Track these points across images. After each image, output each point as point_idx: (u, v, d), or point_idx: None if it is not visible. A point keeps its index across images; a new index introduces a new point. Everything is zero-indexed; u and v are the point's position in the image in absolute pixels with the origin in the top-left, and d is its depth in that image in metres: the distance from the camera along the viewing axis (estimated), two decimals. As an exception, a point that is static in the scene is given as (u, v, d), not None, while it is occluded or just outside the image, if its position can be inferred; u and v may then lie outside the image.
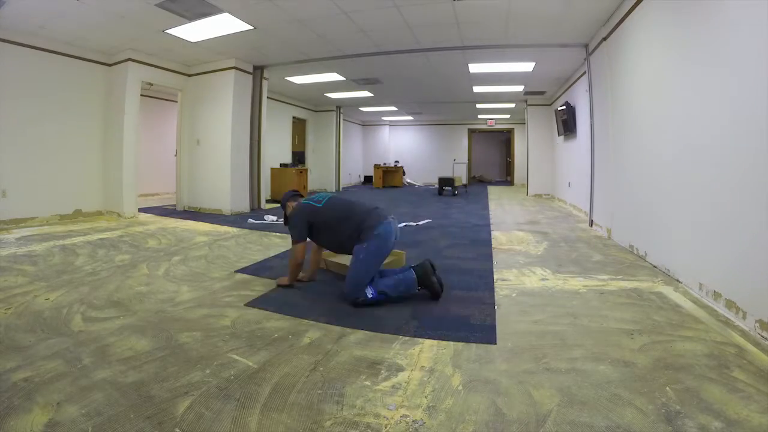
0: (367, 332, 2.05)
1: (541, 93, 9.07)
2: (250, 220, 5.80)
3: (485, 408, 1.41)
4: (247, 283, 2.87)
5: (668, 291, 2.68)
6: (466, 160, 13.99)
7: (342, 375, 1.63)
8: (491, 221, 5.87)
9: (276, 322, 2.17)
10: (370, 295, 2.32)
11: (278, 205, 7.92)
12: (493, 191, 11.31)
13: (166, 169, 8.18)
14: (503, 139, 16.24)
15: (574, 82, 7.11)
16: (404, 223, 5.49)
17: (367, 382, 1.57)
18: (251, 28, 4.93)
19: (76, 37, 5.21)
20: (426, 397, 1.48)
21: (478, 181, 15.47)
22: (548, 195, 9.62)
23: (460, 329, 2.08)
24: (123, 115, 5.80)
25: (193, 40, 5.34)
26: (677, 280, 2.89)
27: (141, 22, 4.73)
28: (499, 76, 7.42)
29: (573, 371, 1.65)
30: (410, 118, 14.29)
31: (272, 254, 3.77)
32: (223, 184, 6.54)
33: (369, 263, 2.40)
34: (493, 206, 7.75)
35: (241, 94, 6.64)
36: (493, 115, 13.19)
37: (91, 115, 5.86)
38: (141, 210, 6.42)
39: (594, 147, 5.27)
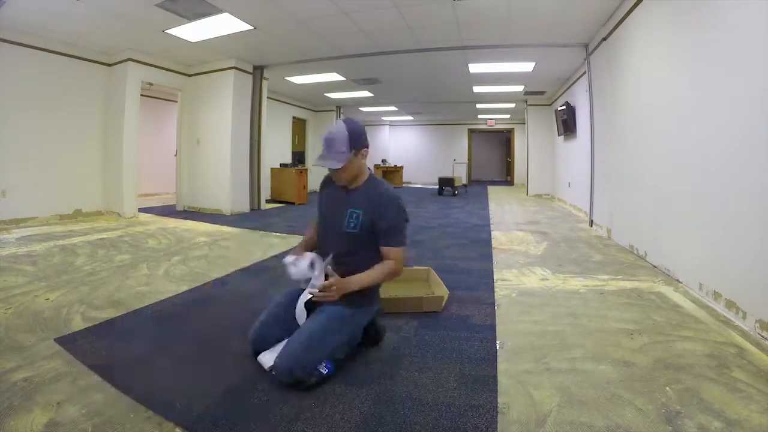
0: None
1: (541, 93, 9.06)
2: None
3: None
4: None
5: (668, 291, 2.68)
6: (466, 160, 13.98)
7: (342, 375, 1.63)
8: (491, 221, 5.86)
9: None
10: (325, 371, 1.54)
11: (279, 204, 7.92)
12: (492, 191, 11.31)
13: (166, 169, 8.17)
14: (503, 139, 16.23)
15: (574, 82, 7.11)
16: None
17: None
18: (251, 28, 4.93)
19: (76, 37, 5.21)
20: (426, 397, 1.48)
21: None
22: (548, 195, 9.62)
23: (460, 329, 2.08)
24: (123, 115, 5.79)
25: (193, 40, 5.34)
26: (677, 280, 2.89)
27: (141, 22, 4.73)
28: (499, 76, 7.42)
29: (573, 371, 1.65)
30: (410, 118, 14.28)
31: (272, 254, 3.77)
32: (223, 184, 6.54)
33: (353, 331, 1.69)
34: (492, 206, 7.75)
35: (241, 94, 6.64)
36: (493, 115, 13.17)
37: (91, 115, 5.85)
38: (141, 210, 6.41)
39: (594, 147, 5.27)
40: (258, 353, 1.65)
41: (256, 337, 1.67)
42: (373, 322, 1.83)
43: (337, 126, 1.66)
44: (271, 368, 1.53)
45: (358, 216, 1.67)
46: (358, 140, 1.65)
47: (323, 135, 1.67)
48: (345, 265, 1.68)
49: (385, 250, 1.69)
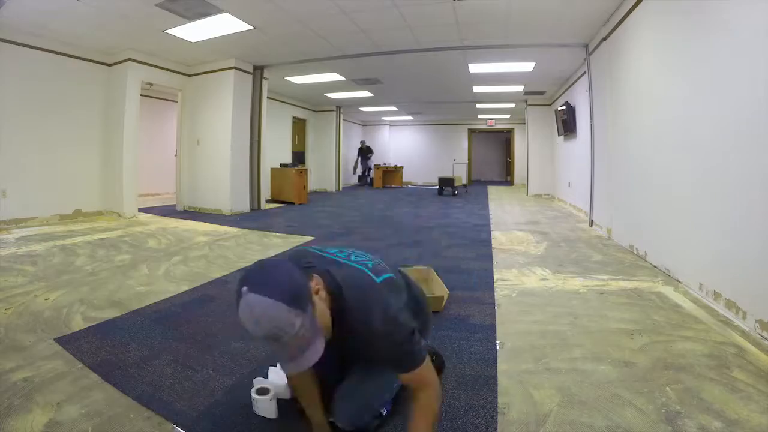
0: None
1: (541, 93, 9.06)
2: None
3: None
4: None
5: (668, 291, 2.68)
6: (466, 160, 13.98)
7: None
8: (491, 221, 5.87)
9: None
10: (385, 412, 1.33)
11: (279, 204, 7.92)
12: (492, 191, 11.31)
13: (166, 169, 8.17)
14: (503, 139, 16.24)
15: (574, 82, 7.11)
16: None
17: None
18: (251, 28, 4.93)
19: (76, 37, 5.21)
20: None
21: None
22: (548, 195, 9.62)
23: (460, 329, 2.08)
24: (123, 115, 5.79)
25: (193, 40, 5.34)
26: (677, 280, 2.89)
27: (141, 22, 4.73)
28: (499, 76, 7.42)
29: (573, 371, 1.65)
30: (410, 118, 14.29)
31: (272, 254, 3.77)
32: (223, 184, 6.54)
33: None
34: (492, 206, 7.75)
35: (241, 94, 6.64)
36: (493, 115, 13.18)
37: (91, 115, 5.85)
38: (141, 210, 6.41)
39: (594, 147, 5.27)
40: None
41: None
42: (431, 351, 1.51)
43: (263, 310, 0.89)
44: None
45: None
46: (301, 296, 0.95)
47: (257, 332, 0.91)
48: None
49: (404, 378, 1.12)
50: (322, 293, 1.05)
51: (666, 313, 2.29)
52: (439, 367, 1.63)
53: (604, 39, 4.68)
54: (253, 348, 1.85)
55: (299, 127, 10.94)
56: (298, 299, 0.93)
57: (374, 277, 1.15)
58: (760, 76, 2.01)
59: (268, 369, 1.56)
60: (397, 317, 1.10)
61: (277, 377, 1.48)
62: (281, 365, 1.03)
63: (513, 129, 14.05)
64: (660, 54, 3.31)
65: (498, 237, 4.64)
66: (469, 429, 1.29)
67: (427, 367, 1.13)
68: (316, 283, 1.04)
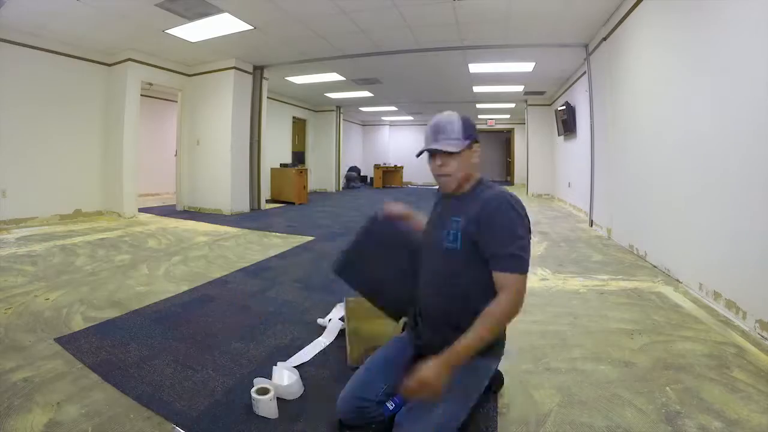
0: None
1: (541, 93, 9.06)
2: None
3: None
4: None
5: (668, 291, 2.68)
6: (466, 160, 13.94)
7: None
8: (491, 221, 5.85)
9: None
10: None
11: (279, 204, 7.91)
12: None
13: (166, 169, 8.17)
14: (503, 139, 16.23)
15: (574, 82, 7.11)
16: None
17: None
18: (251, 28, 4.93)
19: (76, 37, 5.21)
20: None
21: None
22: (548, 195, 9.62)
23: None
24: (123, 114, 5.79)
25: (193, 40, 5.34)
26: (677, 280, 2.89)
27: (141, 22, 4.73)
28: (499, 76, 7.42)
29: (573, 371, 1.65)
30: (410, 118, 14.28)
31: (272, 254, 3.77)
32: (223, 184, 6.54)
33: (482, 389, 1.27)
34: (493, 206, 7.73)
35: (241, 94, 6.64)
36: (493, 115, 13.17)
37: (91, 114, 5.85)
38: (141, 210, 6.41)
39: (594, 147, 5.27)
40: (348, 428, 1.23)
41: (348, 406, 1.22)
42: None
43: (445, 114, 1.30)
44: None
45: (457, 225, 1.22)
46: (471, 129, 1.30)
47: (429, 124, 1.30)
48: (446, 297, 1.24)
49: (496, 276, 1.15)
50: (477, 158, 1.33)
51: (666, 313, 2.29)
52: (499, 384, 1.52)
53: (604, 39, 4.68)
54: (253, 348, 1.85)
55: (299, 127, 10.93)
56: (468, 127, 1.30)
57: None
58: (761, 75, 2.01)
59: (272, 368, 1.56)
60: (521, 213, 1.20)
61: (278, 377, 1.48)
62: (428, 144, 1.28)
63: (513, 129, 14.03)
64: (660, 53, 3.31)
65: (498, 237, 4.63)
66: (470, 429, 1.29)
67: (524, 281, 1.15)
68: (478, 147, 1.35)
